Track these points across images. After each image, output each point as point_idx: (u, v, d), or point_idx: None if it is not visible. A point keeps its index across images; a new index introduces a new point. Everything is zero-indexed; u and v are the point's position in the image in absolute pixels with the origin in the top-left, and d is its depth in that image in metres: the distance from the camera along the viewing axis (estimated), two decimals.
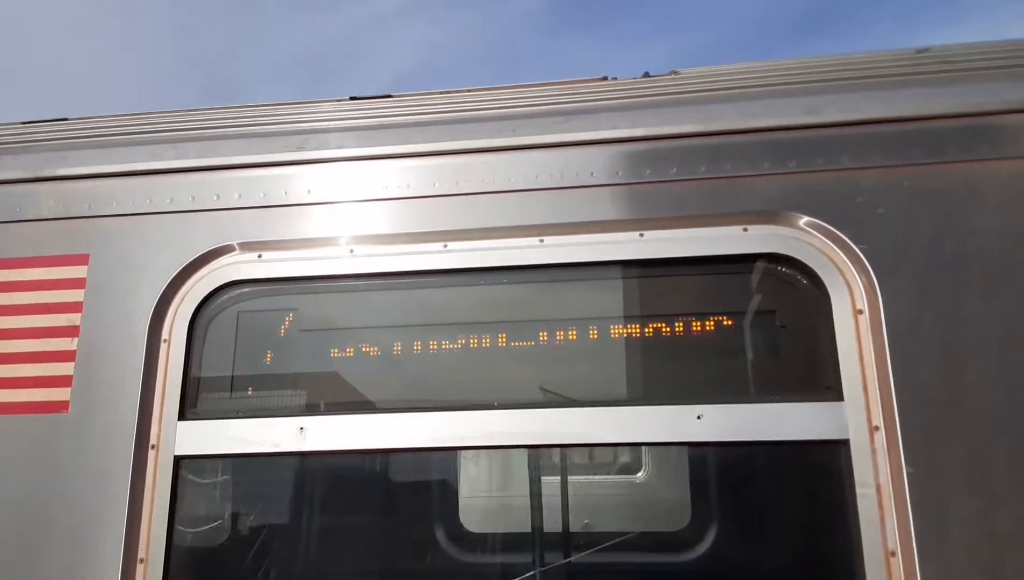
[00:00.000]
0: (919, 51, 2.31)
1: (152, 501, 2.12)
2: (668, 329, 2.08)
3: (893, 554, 1.78)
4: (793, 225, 2.04)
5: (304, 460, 2.44)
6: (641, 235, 2.10)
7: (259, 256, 2.26)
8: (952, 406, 1.80)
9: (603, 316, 2.12)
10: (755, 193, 2.07)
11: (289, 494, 2.51)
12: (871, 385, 1.89)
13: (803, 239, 2.03)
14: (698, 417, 1.93)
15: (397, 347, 2.17)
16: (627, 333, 2.10)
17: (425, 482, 2.94)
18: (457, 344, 2.14)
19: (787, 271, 2.04)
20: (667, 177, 2.11)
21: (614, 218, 2.12)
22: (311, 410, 2.20)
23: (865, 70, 2.20)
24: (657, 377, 2.08)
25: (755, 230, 2.06)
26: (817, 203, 2.03)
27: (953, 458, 1.78)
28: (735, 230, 2.07)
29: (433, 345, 2.16)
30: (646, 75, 2.51)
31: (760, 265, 2.07)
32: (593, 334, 2.10)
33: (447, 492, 3.12)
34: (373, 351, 2.19)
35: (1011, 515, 1.73)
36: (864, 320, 1.94)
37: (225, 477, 2.41)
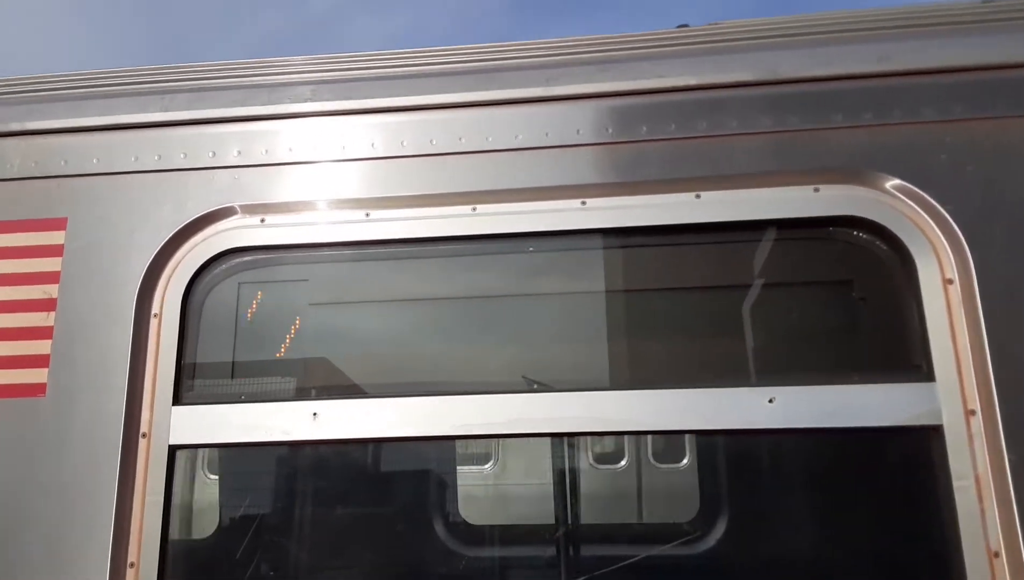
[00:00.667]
0: (984, 2, 2.09)
1: (143, 497, 1.87)
2: (730, 302, 1.84)
3: (997, 555, 1.57)
4: (870, 184, 1.81)
5: (318, 449, 2.19)
6: (697, 197, 1.86)
7: (262, 220, 1.99)
8: None
9: (657, 287, 1.88)
10: (826, 149, 1.84)
11: (301, 488, 2.26)
12: (965, 363, 1.68)
13: (882, 200, 1.80)
14: (770, 400, 1.71)
15: (422, 322, 1.92)
16: (685, 307, 1.87)
17: (454, 471, 2.70)
18: (490, 319, 1.89)
19: (865, 236, 1.82)
20: (726, 131, 1.87)
21: (666, 178, 1.88)
22: (325, 393, 1.95)
23: (935, 17, 1.97)
24: (721, 356, 1.85)
25: (827, 190, 1.83)
26: (896, 160, 1.80)
27: None
28: (804, 191, 1.84)
29: (462, 320, 1.92)
30: (682, 27, 2.26)
31: (834, 230, 1.84)
32: (647, 308, 1.86)
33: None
34: (394, 327, 1.95)
35: None
36: (955, 290, 1.72)
37: (228, 468, 2.16)
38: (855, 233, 1.82)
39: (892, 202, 1.79)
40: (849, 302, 1.83)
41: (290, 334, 2.02)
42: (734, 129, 1.86)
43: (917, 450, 1.70)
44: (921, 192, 1.76)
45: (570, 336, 1.91)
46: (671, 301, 1.90)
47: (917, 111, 1.81)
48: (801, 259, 1.87)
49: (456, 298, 1.96)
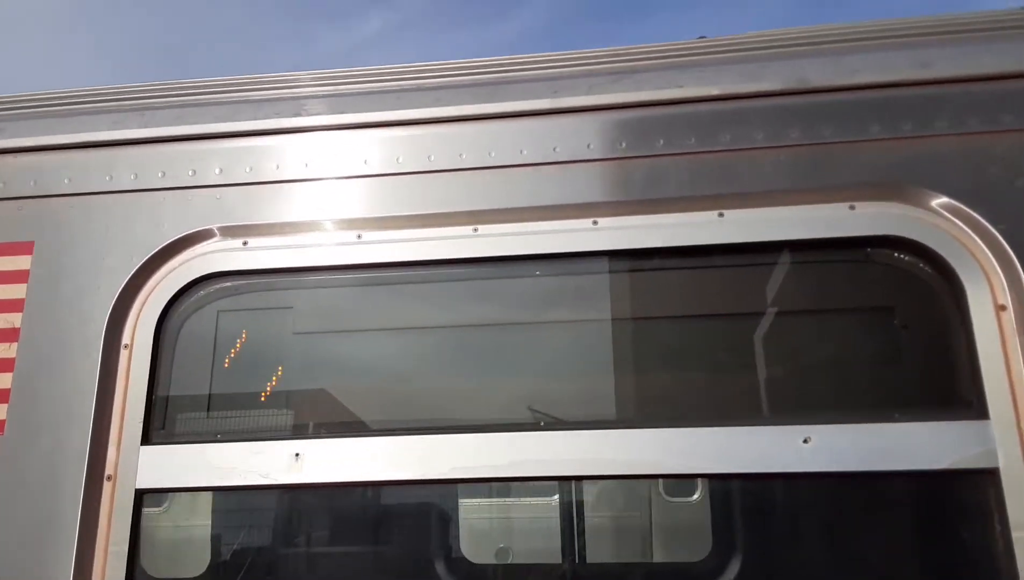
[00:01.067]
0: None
1: (106, 546, 1.68)
2: (758, 332, 1.67)
3: None
4: (912, 201, 1.64)
5: (301, 494, 2.01)
6: (721, 215, 1.70)
7: (244, 243, 1.83)
8: None
9: (676, 315, 1.71)
10: (862, 163, 1.68)
11: (286, 534, 2.07)
12: (1022, 398, 1.49)
13: (925, 218, 1.63)
14: (805, 441, 1.52)
15: (419, 353, 1.75)
16: (708, 337, 1.69)
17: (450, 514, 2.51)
18: (494, 349, 1.72)
19: (906, 258, 1.65)
20: (752, 144, 1.71)
21: (687, 195, 1.72)
22: (309, 433, 1.77)
23: (979, 23, 1.82)
24: (749, 390, 1.67)
25: (864, 208, 1.66)
26: (941, 174, 1.64)
27: None
28: (839, 208, 1.67)
29: (463, 351, 1.74)
30: (702, 38, 2.12)
31: (872, 251, 1.67)
32: (666, 338, 1.69)
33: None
34: (388, 359, 1.77)
35: None
36: (1008, 318, 1.54)
37: (202, 515, 1.97)
38: (896, 255, 1.65)
39: (937, 221, 1.62)
40: (890, 331, 1.65)
41: (273, 366, 1.84)
42: (760, 142, 1.71)
43: (970, 496, 1.51)
44: (969, 210, 1.60)
45: (581, 368, 1.73)
46: (692, 330, 1.72)
47: (963, 121, 1.65)
48: (836, 284, 1.69)
49: (456, 327, 1.79)
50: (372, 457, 1.64)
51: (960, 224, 1.61)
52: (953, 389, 1.57)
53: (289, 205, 1.83)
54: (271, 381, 1.83)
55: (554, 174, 1.76)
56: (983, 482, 1.48)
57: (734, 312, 1.71)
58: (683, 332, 1.72)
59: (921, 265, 1.63)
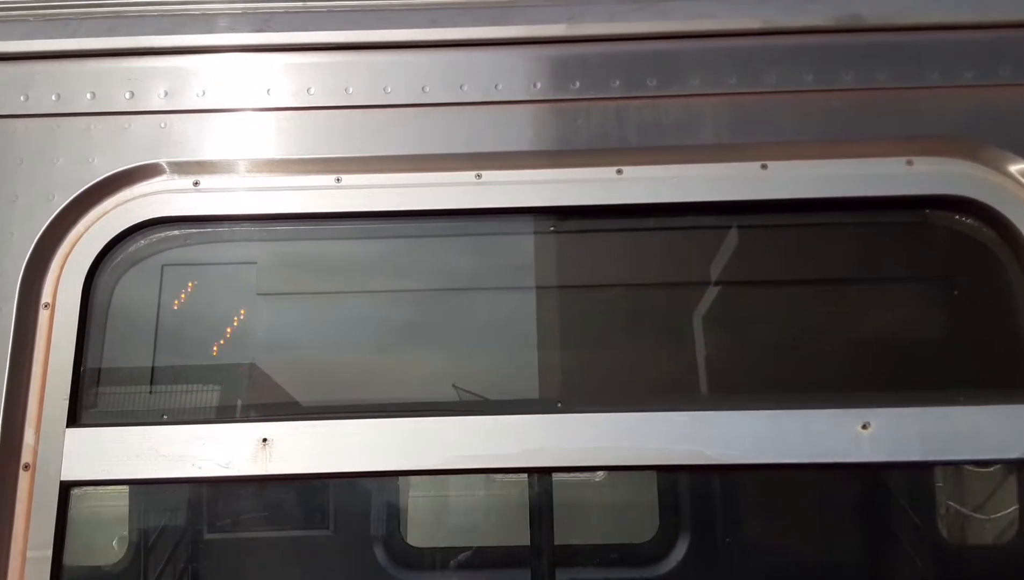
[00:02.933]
0: None
1: (24, 550, 1.38)
2: (805, 301, 1.47)
3: None
4: (978, 158, 1.46)
5: (270, 487, 1.72)
6: (764, 167, 1.48)
7: (196, 183, 1.52)
8: None
9: (711, 280, 1.49)
10: (921, 113, 1.48)
11: (245, 538, 1.78)
12: None
13: (991, 178, 1.45)
14: (863, 426, 1.33)
15: (411, 319, 1.48)
16: (751, 306, 1.48)
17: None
18: (503, 314, 1.47)
19: (970, 222, 1.47)
20: (798, 86, 1.50)
21: (723, 142, 1.49)
22: (279, 413, 1.49)
23: None
24: (799, 367, 1.47)
25: (923, 164, 1.47)
26: (1008, 129, 1.46)
27: None
28: (894, 164, 1.48)
29: (466, 316, 1.49)
30: None
31: (930, 213, 1.49)
32: (703, 306, 1.47)
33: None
34: (372, 325, 1.50)
35: None
36: None
37: (143, 510, 1.66)
38: (958, 218, 1.47)
39: (1004, 181, 1.44)
40: (948, 302, 1.48)
41: (232, 333, 1.54)
42: (810, 84, 1.49)
43: None
44: None
45: (607, 339, 1.50)
46: (731, 299, 1.51)
47: None
48: (890, 249, 1.51)
49: (457, 289, 1.53)
50: (357, 443, 1.37)
51: None
52: (1021, 369, 1.40)
53: (253, 138, 1.51)
54: (231, 351, 1.53)
55: (572, 114, 1.51)
56: None
57: (777, 279, 1.51)
58: (722, 301, 1.50)
59: (985, 230, 1.45)
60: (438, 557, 2.78)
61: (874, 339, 1.48)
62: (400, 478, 2.47)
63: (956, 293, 1.47)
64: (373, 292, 1.56)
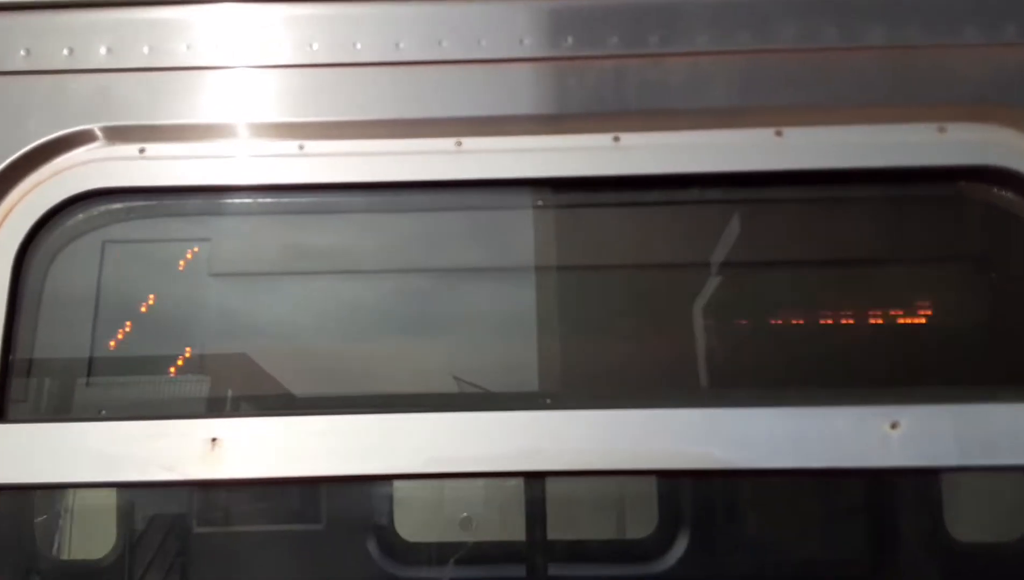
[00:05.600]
0: None
1: None
2: (825, 283, 1.31)
3: None
4: (1019, 125, 1.30)
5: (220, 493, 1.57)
6: (779, 134, 1.32)
7: (141, 150, 1.35)
8: None
9: (720, 261, 1.33)
10: (956, 73, 1.32)
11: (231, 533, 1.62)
12: None
13: None
14: (892, 426, 1.17)
15: (382, 303, 1.32)
16: (761, 289, 1.32)
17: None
18: (486, 298, 1.31)
19: (1009, 196, 1.31)
20: (818, 43, 1.33)
21: (734, 106, 1.33)
22: (231, 410, 1.33)
23: None
24: (818, 360, 1.32)
25: (957, 131, 1.31)
26: None
27: None
28: (925, 130, 1.32)
29: (444, 300, 1.33)
30: None
31: (964, 185, 1.33)
32: (709, 289, 1.31)
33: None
34: (338, 310, 1.34)
35: None
36: None
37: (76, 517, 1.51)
38: (995, 191, 1.31)
39: None
40: (986, 286, 1.32)
41: (181, 319, 1.38)
42: (833, 41, 1.33)
43: None
44: None
45: (604, 328, 1.34)
46: (744, 282, 1.35)
47: None
48: (918, 225, 1.35)
49: (434, 270, 1.37)
50: (321, 443, 1.21)
51: None
52: None
53: (206, 101, 1.35)
54: (179, 339, 1.36)
55: (564, 74, 1.34)
56: None
57: (793, 259, 1.35)
58: (732, 285, 1.34)
59: None
60: (433, 551, 2.63)
61: (903, 328, 1.33)
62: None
63: (994, 276, 1.31)
64: (340, 273, 1.40)
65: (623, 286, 1.40)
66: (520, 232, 1.35)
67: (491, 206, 1.37)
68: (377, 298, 1.38)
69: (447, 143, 1.33)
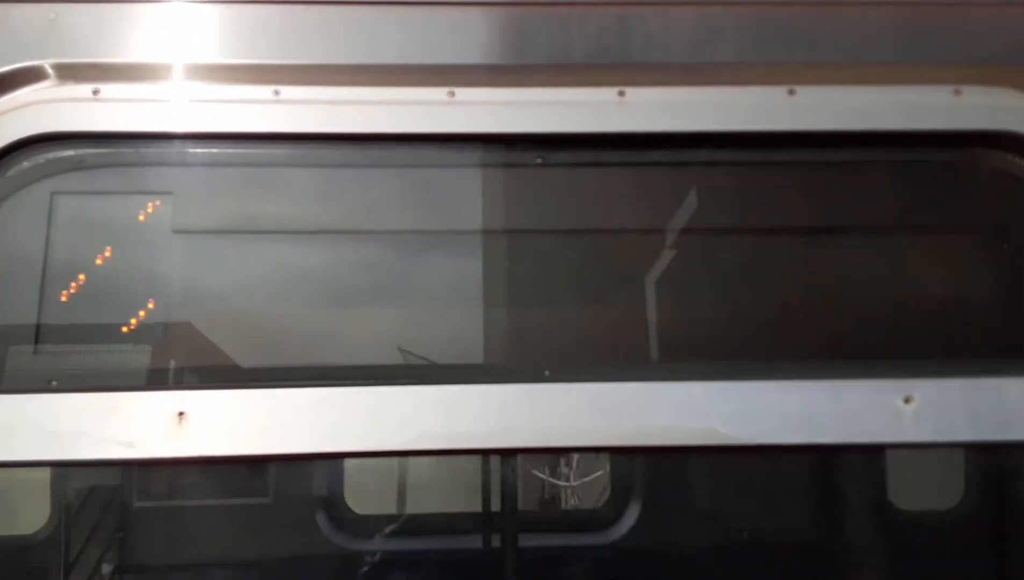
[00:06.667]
0: None
1: None
2: (838, 250, 1.25)
3: None
4: None
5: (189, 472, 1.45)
6: (791, 93, 1.25)
7: (95, 91, 1.21)
8: None
9: (726, 226, 1.26)
10: (974, 33, 1.27)
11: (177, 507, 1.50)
12: None
13: None
14: (906, 400, 1.12)
15: (368, 266, 1.22)
16: (770, 255, 1.26)
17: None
18: (477, 265, 1.22)
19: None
20: None
21: (745, 62, 1.26)
22: (199, 381, 1.21)
23: None
24: (831, 332, 1.26)
25: (974, 95, 1.26)
26: None
27: None
28: (940, 93, 1.26)
29: (429, 264, 1.23)
30: None
31: (979, 151, 1.28)
32: (714, 256, 1.24)
33: None
34: (318, 273, 1.23)
35: None
36: None
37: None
38: (1011, 158, 1.26)
39: None
40: (1003, 256, 1.28)
41: (140, 280, 1.25)
42: None
43: None
44: None
45: (605, 295, 1.26)
46: (753, 248, 1.29)
47: None
48: (934, 191, 1.30)
49: (423, 231, 1.26)
50: (297, 417, 1.11)
51: None
52: None
53: (170, 38, 1.21)
54: (138, 303, 1.24)
55: (566, 21, 1.24)
56: None
57: (804, 225, 1.28)
58: (741, 250, 1.28)
59: None
60: (384, 525, 2.55)
61: (917, 298, 1.28)
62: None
63: (1009, 246, 1.27)
64: (318, 232, 1.29)
65: (628, 251, 1.33)
66: (518, 192, 1.26)
67: (487, 163, 1.27)
68: (359, 259, 1.28)
69: (439, 93, 1.23)
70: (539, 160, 1.24)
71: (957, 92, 1.26)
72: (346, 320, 1.29)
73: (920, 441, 1.13)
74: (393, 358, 1.25)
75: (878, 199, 1.31)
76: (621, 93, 1.24)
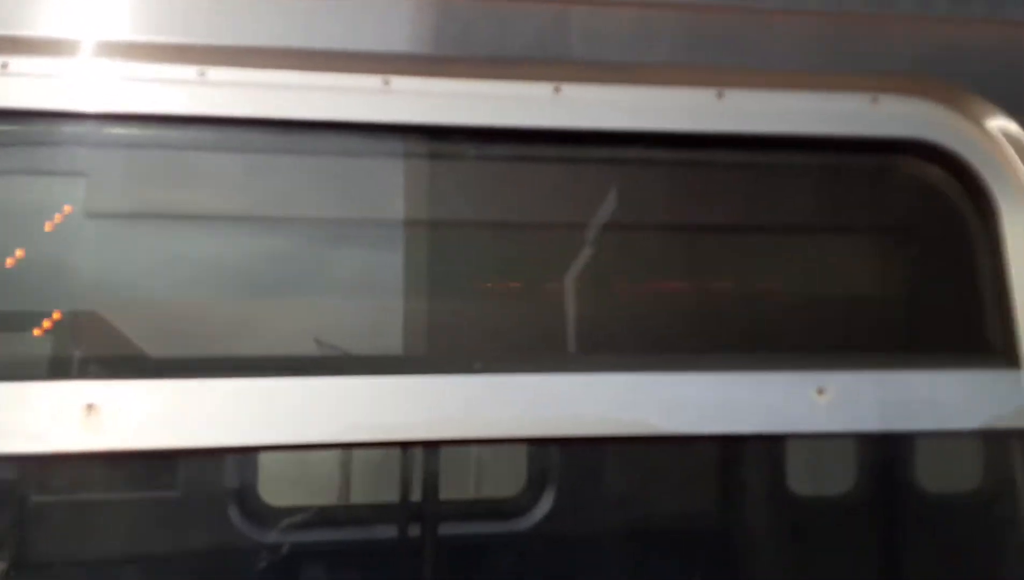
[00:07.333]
0: None
1: None
2: (759, 248, 1.29)
3: None
4: (944, 100, 1.32)
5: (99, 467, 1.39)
6: (720, 96, 1.28)
7: (4, 65, 1.14)
8: None
9: (650, 222, 1.29)
10: (891, 45, 1.33)
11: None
12: None
13: (958, 123, 1.32)
14: (819, 391, 1.17)
15: (289, 255, 1.19)
16: (692, 252, 1.29)
17: None
18: (402, 256, 1.20)
19: (934, 169, 1.33)
20: (763, 5, 1.30)
21: (678, 63, 1.28)
22: (111, 370, 1.16)
23: None
24: (744, 325, 1.30)
25: (890, 104, 1.32)
26: (977, 69, 1.33)
27: None
28: (859, 100, 1.32)
29: (356, 254, 1.21)
30: None
31: (893, 157, 1.34)
32: (639, 251, 1.26)
33: None
34: (239, 260, 1.19)
35: None
36: None
37: None
38: (921, 164, 1.33)
39: (974, 128, 1.32)
40: (910, 257, 1.35)
41: (50, 264, 1.19)
42: (775, 3, 1.30)
43: (997, 463, 1.26)
44: (1006, 114, 1.30)
45: (531, 288, 1.27)
46: (677, 244, 1.32)
47: (1001, 6, 1.35)
48: (849, 194, 1.36)
49: (351, 221, 1.24)
50: (217, 410, 1.07)
51: (998, 133, 1.31)
52: (981, 332, 1.29)
53: (87, 10, 1.15)
54: (48, 286, 1.17)
55: (504, 14, 1.24)
56: (1012, 446, 1.23)
57: (726, 224, 1.32)
58: (665, 246, 1.30)
59: (952, 181, 1.32)
60: (300, 517, 2.48)
61: (833, 295, 1.33)
62: None
63: (918, 248, 1.34)
64: (241, 220, 1.25)
65: (554, 244, 1.34)
66: (447, 184, 1.25)
67: (421, 154, 1.26)
68: (284, 248, 1.24)
69: (373, 81, 1.20)
70: (473, 152, 1.24)
71: (875, 100, 1.32)
72: (270, 310, 1.25)
73: (832, 430, 1.18)
74: (312, 348, 1.23)
75: (799, 201, 1.36)
76: (557, 89, 1.25)
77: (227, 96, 1.18)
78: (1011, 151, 1.31)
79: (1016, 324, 1.25)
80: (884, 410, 1.19)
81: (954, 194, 1.32)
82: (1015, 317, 1.26)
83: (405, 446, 1.30)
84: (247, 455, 1.64)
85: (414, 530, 2.23)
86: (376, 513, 2.53)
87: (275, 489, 2.52)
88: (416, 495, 2.30)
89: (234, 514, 2.34)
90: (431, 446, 1.21)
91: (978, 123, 1.31)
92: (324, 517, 2.42)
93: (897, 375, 1.21)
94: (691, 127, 1.27)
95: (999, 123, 1.31)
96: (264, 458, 2.45)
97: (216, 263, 1.23)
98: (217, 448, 1.10)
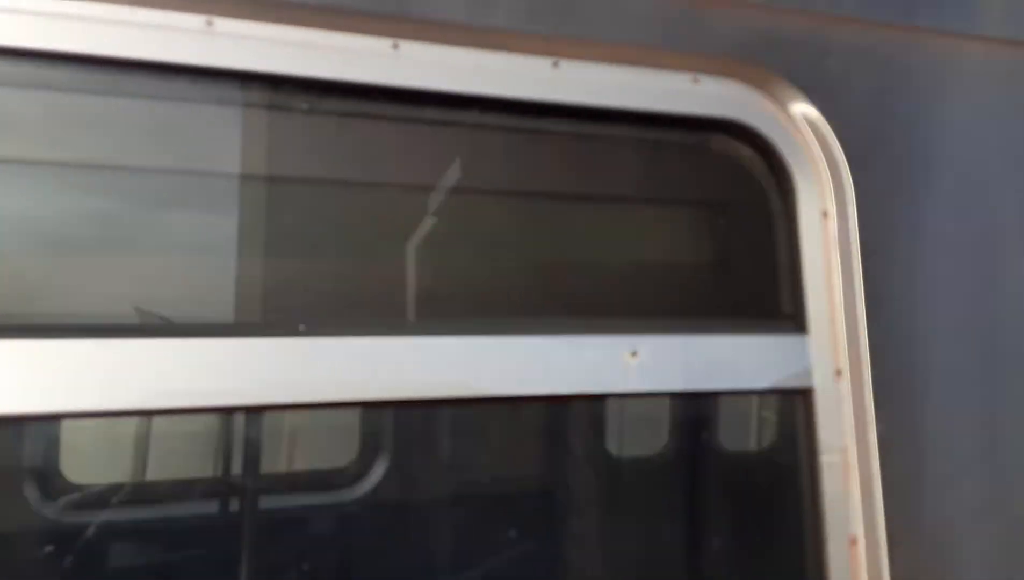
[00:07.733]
0: None
1: None
2: (580, 216, 1.35)
3: (854, 542, 1.36)
4: (759, 84, 1.43)
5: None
6: (555, 65, 1.31)
7: None
8: (940, 346, 1.41)
9: (477, 186, 1.31)
10: (712, 27, 1.41)
11: None
12: (837, 314, 1.41)
13: (769, 107, 1.44)
14: (632, 354, 1.27)
15: (100, 207, 1.11)
16: (517, 217, 1.33)
17: None
18: (224, 212, 1.16)
19: (745, 149, 1.44)
20: None
21: (516, 29, 1.29)
22: None
23: None
24: (569, 291, 1.36)
25: (708, 84, 1.41)
26: (784, 56, 1.44)
27: (936, 418, 1.39)
28: (681, 79, 1.39)
29: (173, 206, 1.15)
30: None
31: (708, 135, 1.44)
32: (463, 214, 1.29)
33: None
34: (42, 208, 1.10)
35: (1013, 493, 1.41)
36: (831, 226, 1.44)
37: None
38: (733, 143, 1.44)
39: (779, 112, 1.43)
40: (719, 230, 1.46)
41: None
42: None
43: (783, 418, 1.42)
44: (808, 102, 1.43)
45: (356, 250, 1.26)
46: (502, 209, 1.35)
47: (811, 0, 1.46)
48: (668, 168, 1.44)
49: (173, 171, 1.17)
50: (12, 373, 1.00)
51: (800, 118, 1.44)
52: (776, 299, 1.43)
53: None
54: None
55: None
56: (795, 403, 1.39)
57: (550, 191, 1.37)
58: (490, 211, 1.33)
59: (757, 158, 1.44)
60: (107, 494, 2.28)
61: (647, 263, 1.43)
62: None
63: (726, 222, 1.45)
64: (43, 165, 1.14)
65: (379, 205, 1.33)
66: (273, 139, 1.21)
67: (248, 103, 1.20)
68: (95, 200, 1.15)
69: (196, 21, 1.13)
70: (305, 105, 1.20)
71: (695, 80, 1.40)
72: (79, 268, 1.17)
73: (644, 390, 1.28)
74: (124, 308, 1.16)
75: (623, 172, 1.44)
76: (395, 46, 1.23)
77: (32, 28, 1.06)
78: (811, 135, 1.44)
79: (804, 293, 1.40)
80: (689, 371, 1.30)
81: (759, 172, 1.44)
82: (804, 286, 1.41)
83: (226, 412, 1.26)
84: (46, 424, 1.53)
85: (236, 504, 2.12)
86: (205, 487, 2.37)
87: (80, 464, 2.30)
88: (239, 467, 2.17)
89: (31, 492, 2.12)
90: (254, 412, 1.18)
91: (784, 107, 1.43)
92: (138, 495, 2.24)
93: (701, 339, 1.33)
94: (527, 95, 1.30)
95: (802, 108, 1.44)
96: (68, 432, 2.23)
97: (16, 216, 1.12)
98: (15, 415, 1.02)
